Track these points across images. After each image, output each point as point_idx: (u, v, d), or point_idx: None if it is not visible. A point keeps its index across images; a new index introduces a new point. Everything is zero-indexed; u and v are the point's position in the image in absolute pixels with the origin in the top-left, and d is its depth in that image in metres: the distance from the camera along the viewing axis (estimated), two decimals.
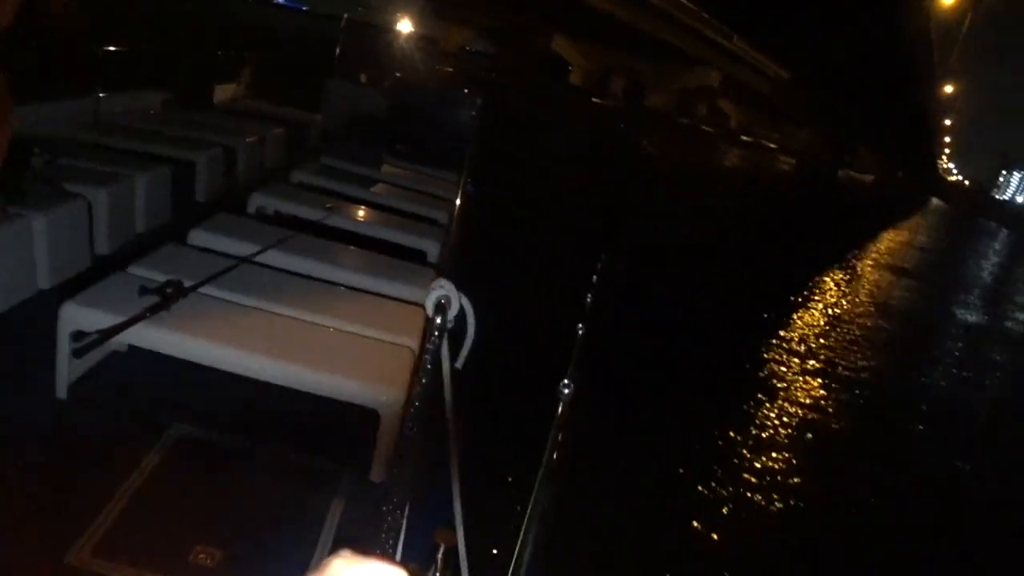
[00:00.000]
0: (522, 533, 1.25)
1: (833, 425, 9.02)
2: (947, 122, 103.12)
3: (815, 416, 9.01)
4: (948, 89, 76.99)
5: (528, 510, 1.29)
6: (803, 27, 41.71)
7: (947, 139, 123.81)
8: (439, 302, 1.77)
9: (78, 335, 2.70)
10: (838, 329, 13.74)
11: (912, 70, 47.97)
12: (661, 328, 10.70)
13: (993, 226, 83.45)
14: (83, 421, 2.79)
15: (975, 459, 9.68)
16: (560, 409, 1.50)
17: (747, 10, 44.70)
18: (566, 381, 1.51)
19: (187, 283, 2.99)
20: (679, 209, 23.79)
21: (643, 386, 8.34)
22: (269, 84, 9.73)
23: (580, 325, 2.03)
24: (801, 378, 10.28)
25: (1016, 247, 60.29)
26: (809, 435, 8.49)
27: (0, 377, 2.90)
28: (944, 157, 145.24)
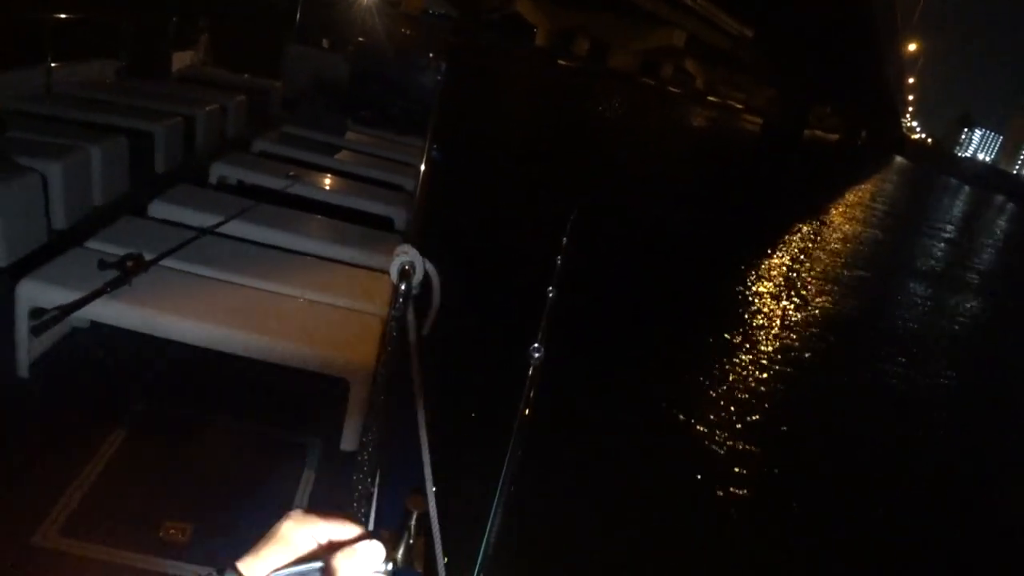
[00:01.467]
0: (496, 498, 1.25)
1: (803, 379, 9.21)
2: (910, 80, 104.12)
3: (784, 373, 9.17)
4: (911, 47, 77.55)
5: (501, 474, 1.28)
6: None
7: (910, 97, 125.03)
8: (403, 268, 1.75)
9: (37, 312, 2.63)
10: (802, 286, 13.95)
11: (875, 28, 48.12)
12: (629, 286, 10.81)
13: (954, 183, 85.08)
14: (46, 399, 2.74)
15: (934, 415, 9.96)
16: (531, 372, 1.48)
17: None
18: (536, 344, 1.49)
19: (148, 256, 2.92)
20: (644, 170, 23.82)
21: (613, 346, 8.43)
22: (227, 51, 9.48)
23: (550, 288, 2.01)
24: (768, 334, 10.45)
25: (976, 202, 61.61)
26: (778, 391, 8.66)
27: None
28: (908, 115, 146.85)
